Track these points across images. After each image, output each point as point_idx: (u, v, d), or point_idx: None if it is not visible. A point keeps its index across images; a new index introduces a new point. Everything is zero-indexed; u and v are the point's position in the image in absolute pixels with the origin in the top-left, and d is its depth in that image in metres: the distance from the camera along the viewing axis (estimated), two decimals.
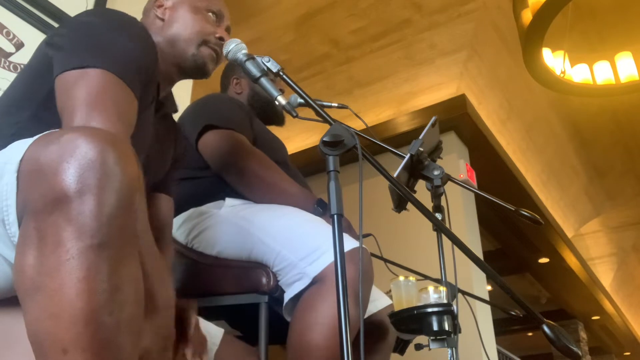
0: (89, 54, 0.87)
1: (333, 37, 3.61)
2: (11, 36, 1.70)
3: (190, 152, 1.46)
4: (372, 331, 1.43)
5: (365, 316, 1.37)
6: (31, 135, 0.71)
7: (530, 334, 9.21)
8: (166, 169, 1.20)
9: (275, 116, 1.77)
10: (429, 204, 1.10)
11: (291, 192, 1.40)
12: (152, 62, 1.00)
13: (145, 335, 0.83)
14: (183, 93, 2.27)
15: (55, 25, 1.79)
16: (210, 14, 1.16)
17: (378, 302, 1.45)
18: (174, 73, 1.14)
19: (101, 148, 0.64)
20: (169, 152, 1.21)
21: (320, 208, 1.37)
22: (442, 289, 1.05)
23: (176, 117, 1.60)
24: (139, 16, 1.18)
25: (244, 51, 1.05)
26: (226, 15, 1.21)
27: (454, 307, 1.01)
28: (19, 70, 1.68)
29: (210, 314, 1.25)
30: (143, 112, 1.02)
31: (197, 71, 1.14)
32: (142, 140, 1.05)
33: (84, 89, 0.83)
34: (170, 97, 1.24)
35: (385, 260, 1.57)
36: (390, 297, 1.21)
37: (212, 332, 1.09)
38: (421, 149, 1.11)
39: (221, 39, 1.14)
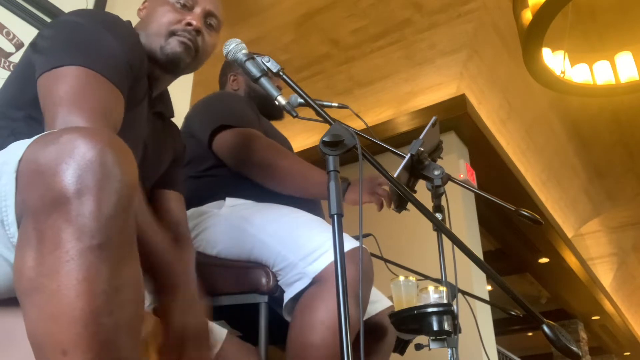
0: (68, 53, 0.86)
1: (333, 37, 3.60)
2: (11, 36, 1.70)
3: (191, 152, 1.46)
4: (372, 331, 1.43)
5: (365, 318, 1.37)
6: (28, 136, 0.71)
7: (530, 334, 9.21)
8: (164, 166, 1.19)
9: (273, 110, 1.76)
10: (429, 204, 1.10)
11: (315, 177, 1.36)
12: (138, 58, 0.99)
13: (186, 315, 0.89)
14: (183, 93, 2.27)
15: None
16: (177, 3, 1.12)
17: (378, 303, 1.45)
18: (157, 70, 1.11)
19: (100, 148, 0.63)
20: (166, 149, 1.20)
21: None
22: (442, 289, 1.05)
23: (181, 117, 1.59)
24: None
25: (244, 51, 1.05)
26: (200, 0, 1.15)
27: (454, 307, 1.01)
28: None
29: (210, 314, 1.25)
30: (135, 108, 1.02)
31: (170, 64, 1.09)
32: (137, 135, 1.04)
33: (63, 88, 0.82)
34: (165, 99, 1.22)
35: (385, 260, 1.57)
36: (392, 299, 1.21)
37: (216, 332, 1.09)
38: (421, 149, 1.11)
39: (189, 24, 1.10)
